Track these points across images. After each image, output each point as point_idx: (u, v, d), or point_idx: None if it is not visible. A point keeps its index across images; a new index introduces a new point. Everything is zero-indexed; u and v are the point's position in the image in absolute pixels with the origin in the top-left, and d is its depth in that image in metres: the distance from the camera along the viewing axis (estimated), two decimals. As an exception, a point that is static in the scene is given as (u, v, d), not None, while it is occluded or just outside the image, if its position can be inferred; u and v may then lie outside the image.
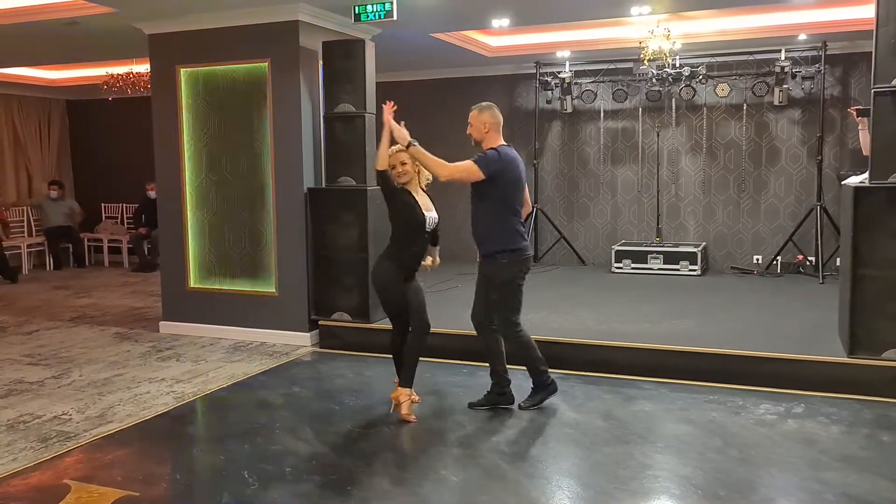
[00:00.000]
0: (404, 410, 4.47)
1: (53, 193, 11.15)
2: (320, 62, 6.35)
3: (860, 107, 5.48)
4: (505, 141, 4.58)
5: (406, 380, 4.50)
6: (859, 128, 5.62)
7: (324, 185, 6.41)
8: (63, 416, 4.66)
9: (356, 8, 5.96)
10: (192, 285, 6.80)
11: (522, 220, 4.59)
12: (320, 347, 6.31)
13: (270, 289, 6.53)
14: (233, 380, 5.42)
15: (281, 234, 6.44)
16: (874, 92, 4.76)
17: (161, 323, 6.99)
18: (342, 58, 6.17)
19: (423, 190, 4.60)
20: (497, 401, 4.68)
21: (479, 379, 5.27)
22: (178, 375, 5.56)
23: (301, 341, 6.39)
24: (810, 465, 3.79)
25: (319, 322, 6.36)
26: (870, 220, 4.84)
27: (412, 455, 4.03)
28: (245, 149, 6.52)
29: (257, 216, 6.54)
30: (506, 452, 4.02)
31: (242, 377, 5.48)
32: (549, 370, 4.69)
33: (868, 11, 6.15)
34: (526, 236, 4.61)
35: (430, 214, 4.52)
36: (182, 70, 6.63)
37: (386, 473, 3.77)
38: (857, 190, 4.88)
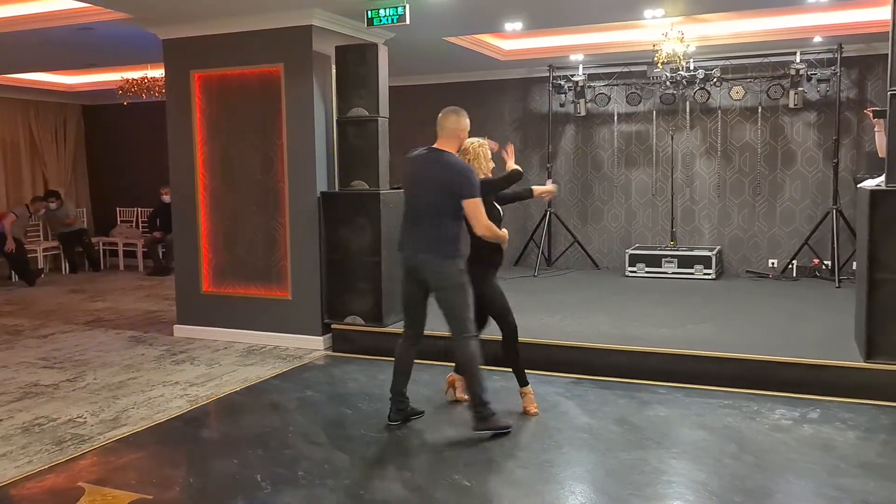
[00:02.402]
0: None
1: (53, 205, 11.18)
2: (333, 66, 6.37)
3: (876, 108, 5.43)
4: (442, 144, 4.38)
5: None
6: (875, 130, 5.57)
7: (337, 190, 6.42)
8: (78, 419, 4.69)
9: (369, 12, 5.97)
10: (206, 289, 6.83)
11: (410, 224, 4.38)
12: (333, 351, 6.32)
13: (284, 293, 6.54)
14: (246, 383, 5.43)
15: (294, 238, 6.45)
16: (890, 94, 4.71)
17: (175, 326, 7.02)
18: (355, 62, 6.17)
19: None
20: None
21: (491, 383, 5.25)
22: (192, 379, 5.58)
23: (314, 345, 6.40)
24: (827, 472, 3.75)
25: (332, 326, 6.37)
26: (887, 223, 4.79)
27: (425, 460, 4.02)
28: (258, 153, 6.54)
29: (271, 220, 6.56)
30: (519, 457, 4.01)
31: (256, 381, 5.49)
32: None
33: (884, 13, 6.11)
34: (407, 241, 4.38)
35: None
36: (196, 75, 6.66)
37: (399, 478, 3.76)
38: (874, 193, 4.83)
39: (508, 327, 4.60)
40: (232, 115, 6.61)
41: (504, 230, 4.45)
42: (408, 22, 5.87)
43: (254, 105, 6.52)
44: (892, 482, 3.60)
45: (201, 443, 4.47)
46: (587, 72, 9.15)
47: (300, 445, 4.21)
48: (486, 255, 4.51)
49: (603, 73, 9.18)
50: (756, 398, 4.85)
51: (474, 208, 4.23)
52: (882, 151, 5.11)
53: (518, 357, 4.66)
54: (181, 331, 6.96)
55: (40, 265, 10.90)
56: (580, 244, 9.50)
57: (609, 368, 5.38)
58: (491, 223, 4.30)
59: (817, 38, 7.81)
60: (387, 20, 5.92)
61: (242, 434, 4.45)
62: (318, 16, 6.18)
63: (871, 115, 5.49)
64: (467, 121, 4.41)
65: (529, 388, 4.68)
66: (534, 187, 4.95)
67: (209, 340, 6.72)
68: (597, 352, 5.49)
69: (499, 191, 4.61)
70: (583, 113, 9.28)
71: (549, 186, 5.36)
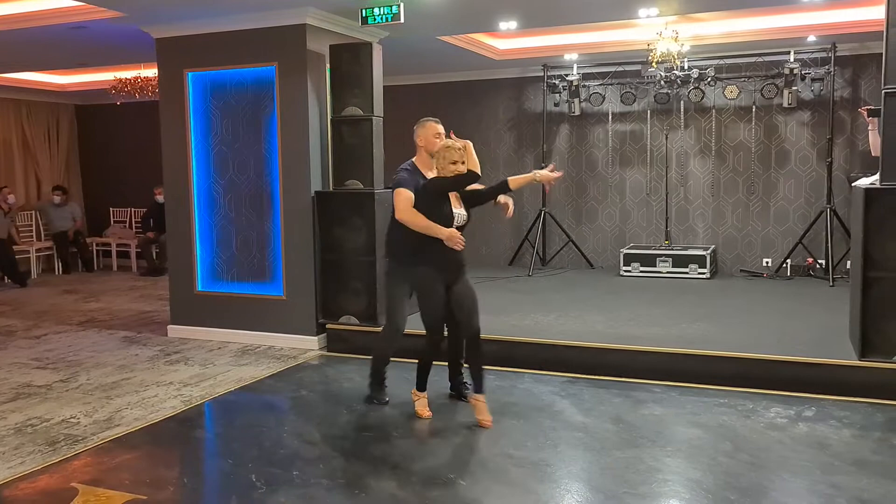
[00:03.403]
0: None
1: (57, 199, 11.19)
2: (327, 65, 6.36)
3: (871, 107, 5.44)
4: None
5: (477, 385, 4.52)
6: (869, 128, 5.58)
7: (331, 189, 6.40)
8: (71, 420, 4.67)
9: (363, 11, 5.96)
10: (200, 289, 6.81)
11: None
12: (328, 351, 6.30)
13: (278, 292, 6.53)
14: (240, 383, 5.42)
15: (288, 237, 6.44)
16: (884, 93, 4.73)
17: (169, 327, 7.00)
18: (349, 61, 6.17)
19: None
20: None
21: (489, 382, 5.25)
22: (186, 379, 5.56)
23: (309, 345, 6.38)
24: (822, 469, 3.75)
25: (327, 326, 6.35)
26: (880, 222, 4.80)
27: (420, 459, 4.01)
28: (252, 152, 6.52)
29: (265, 220, 6.54)
30: (514, 456, 4.00)
31: (250, 381, 5.48)
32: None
33: (878, 12, 6.11)
34: None
35: (458, 212, 4.42)
36: (190, 74, 6.64)
37: (394, 477, 3.75)
38: (868, 192, 4.85)
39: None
40: (225, 115, 6.59)
41: (451, 230, 4.29)
42: (402, 21, 5.86)
43: (247, 104, 6.50)
44: (886, 479, 3.61)
45: (195, 443, 4.46)
46: (582, 71, 9.15)
47: (295, 445, 4.20)
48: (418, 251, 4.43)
49: (597, 73, 9.18)
50: (751, 397, 4.86)
51: (394, 198, 4.52)
52: (876, 150, 5.13)
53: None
54: (175, 331, 6.94)
55: (32, 265, 10.84)
56: (575, 244, 9.50)
57: (604, 367, 5.38)
58: (414, 211, 4.38)
59: (811, 38, 7.83)
60: (381, 19, 5.91)
61: (237, 434, 4.44)
62: (313, 15, 6.17)
63: (865, 113, 5.50)
64: (425, 129, 4.68)
65: (422, 397, 4.69)
66: (512, 178, 4.47)
67: (203, 341, 6.69)
68: (592, 351, 5.49)
69: (447, 190, 4.37)
70: (577, 112, 9.28)
71: (549, 172, 4.56)
